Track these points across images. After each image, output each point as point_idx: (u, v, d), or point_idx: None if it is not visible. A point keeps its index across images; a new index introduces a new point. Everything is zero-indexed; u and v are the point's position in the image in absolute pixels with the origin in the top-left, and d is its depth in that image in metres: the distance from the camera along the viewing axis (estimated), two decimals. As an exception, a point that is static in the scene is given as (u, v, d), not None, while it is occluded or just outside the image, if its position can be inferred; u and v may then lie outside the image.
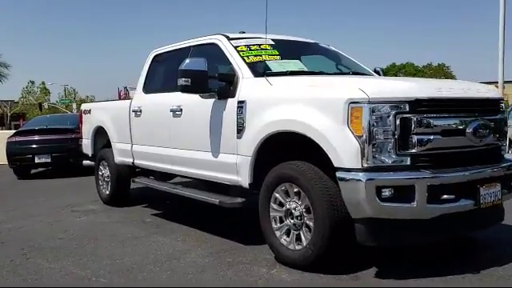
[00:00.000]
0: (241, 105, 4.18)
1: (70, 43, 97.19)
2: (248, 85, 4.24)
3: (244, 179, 4.17)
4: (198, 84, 4.30)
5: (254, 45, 4.74)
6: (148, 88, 6.03)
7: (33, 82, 62.29)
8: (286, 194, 3.80)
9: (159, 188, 5.63)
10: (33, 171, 11.93)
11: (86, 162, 7.96)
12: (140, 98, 6.06)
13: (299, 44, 5.31)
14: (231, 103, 4.30)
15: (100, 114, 7.08)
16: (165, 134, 5.35)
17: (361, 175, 3.21)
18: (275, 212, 3.90)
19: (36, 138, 11.19)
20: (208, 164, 4.64)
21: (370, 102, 3.23)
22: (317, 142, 3.44)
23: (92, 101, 59.46)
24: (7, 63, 39.67)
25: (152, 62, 6.07)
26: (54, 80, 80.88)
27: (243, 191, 4.37)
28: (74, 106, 53.42)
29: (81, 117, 7.84)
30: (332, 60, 5.23)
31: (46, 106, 52.02)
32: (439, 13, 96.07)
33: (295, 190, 3.69)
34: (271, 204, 3.92)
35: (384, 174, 3.24)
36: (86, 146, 7.61)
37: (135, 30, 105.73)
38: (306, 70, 4.54)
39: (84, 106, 7.78)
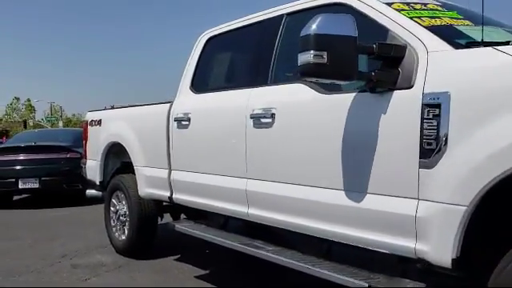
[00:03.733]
0: (434, 101, 2.12)
1: (59, 59, 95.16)
2: (445, 63, 2.20)
3: (438, 249, 2.10)
4: (343, 61, 2.25)
5: (416, 3, 2.74)
6: (201, 85, 3.97)
7: (18, 99, 60.10)
8: None
9: (226, 245, 3.46)
10: (15, 197, 9.66)
11: (90, 192, 5.80)
12: (187, 99, 3.99)
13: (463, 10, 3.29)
14: (405, 99, 2.26)
15: (117, 125, 4.97)
16: (237, 155, 3.28)
17: None
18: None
19: (21, 157, 8.93)
20: (340, 213, 2.57)
21: None
22: None
23: (79, 120, 56.86)
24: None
25: (205, 47, 4.01)
26: (40, 97, 78.37)
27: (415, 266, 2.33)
28: (61, 123, 51.12)
29: (85, 130, 5.72)
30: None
31: (31, 124, 49.80)
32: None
33: None
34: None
35: None
36: (93, 169, 5.48)
37: (124, 46, 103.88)
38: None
39: (91, 116, 5.65)
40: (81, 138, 9.77)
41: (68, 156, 8.86)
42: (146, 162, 4.46)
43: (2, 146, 11.06)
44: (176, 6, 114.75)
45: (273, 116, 2.99)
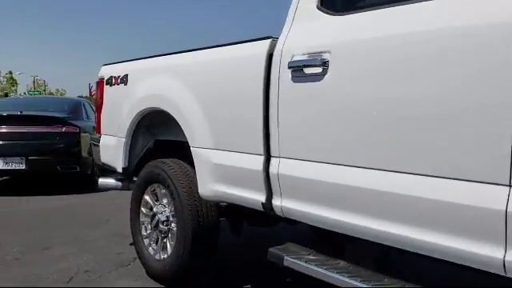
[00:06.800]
0: None
1: (44, 30, 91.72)
2: None
3: None
4: None
5: None
6: None
7: (-1, 71, 57.18)
8: None
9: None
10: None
11: (104, 182, 3.97)
12: (316, 28, 2.18)
13: None
14: None
15: (159, 82, 3.13)
16: (479, 137, 1.52)
17: None
18: None
19: (3, 129, 7.01)
20: None
21: None
22: None
23: (62, 95, 53.63)
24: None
25: None
26: (22, 70, 75.24)
27: None
28: (44, 98, 48.65)
29: (100, 92, 3.88)
30: None
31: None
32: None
33: None
34: None
35: None
36: (112, 150, 3.67)
37: (112, 22, 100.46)
38: None
39: (110, 70, 3.78)
40: (80, 109, 8.07)
41: (63, 130, 7.06)
42: (215, 142, 2.67)
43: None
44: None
45: None
